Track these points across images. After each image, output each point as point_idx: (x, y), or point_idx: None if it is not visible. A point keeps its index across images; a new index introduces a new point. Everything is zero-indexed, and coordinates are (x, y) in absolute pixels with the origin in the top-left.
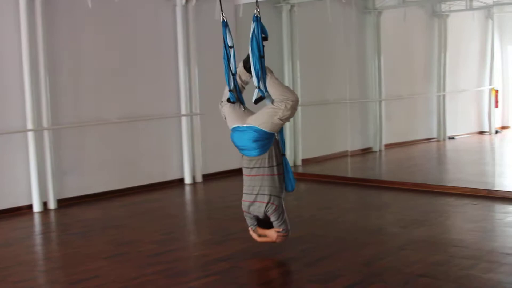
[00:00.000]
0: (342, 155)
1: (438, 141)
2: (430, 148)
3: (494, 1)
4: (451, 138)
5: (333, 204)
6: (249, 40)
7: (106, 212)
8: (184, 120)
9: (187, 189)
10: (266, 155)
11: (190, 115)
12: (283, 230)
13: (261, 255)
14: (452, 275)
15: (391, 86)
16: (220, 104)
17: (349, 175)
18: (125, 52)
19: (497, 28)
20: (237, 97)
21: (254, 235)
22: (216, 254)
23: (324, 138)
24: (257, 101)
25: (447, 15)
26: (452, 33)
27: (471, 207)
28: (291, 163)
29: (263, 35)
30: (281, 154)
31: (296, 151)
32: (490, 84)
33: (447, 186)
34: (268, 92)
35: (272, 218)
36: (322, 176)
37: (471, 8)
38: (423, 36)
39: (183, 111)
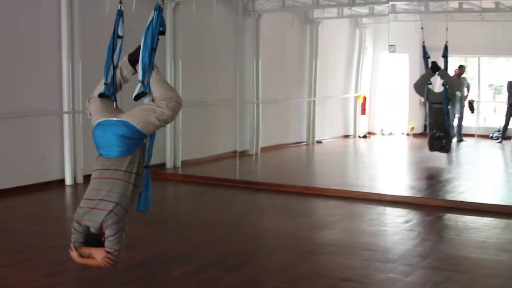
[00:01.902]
0: (225, 157)
1: (307, 144)
2: (302, 152)
3: (368, 12)
4: (319, 142)
5: (229, 207)
6: (144, 30)
7: None
8: (66, 118)
9: (69, 190)
10: (127, 158)
11: (72, 112)
12: (114, 251)
13: (175, 261)
14: (375, 279)
15: (267, 90)
16: (88, 101)
17: (237, 177)
18: (2, 43)
19: (370, 36)
20: (111, 93)
21: (74, 255)
22: (128, 260)
23: (204, 140)
24: (137, 97)
25: (319, 22)
26: (322, 40)
27: (367, 211)
28: (170, 164)
29: (160, 28)
30: (144, 165)
31: (176, 152)
32: (356, 91)
33: (338, 190)
34: (150, 89)
35: (108, 232)
36: (207, 178)
37: (341, 16)
38: (297, 41)
39: (65, 108)
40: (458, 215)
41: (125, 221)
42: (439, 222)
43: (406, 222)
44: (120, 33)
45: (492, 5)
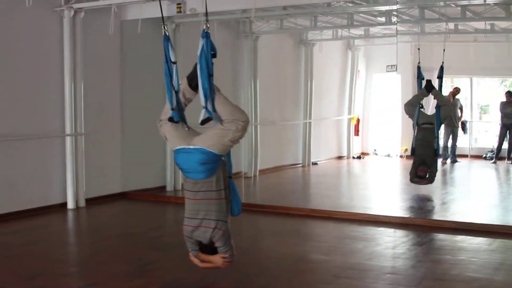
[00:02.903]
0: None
1: (303, 166)
2: (300, 174)
3: (360, 34)
4: (314, 163)
5: (238, 230)
6: (198, 57)
7: None
8: (68, 140)
9: (72, 214)
10: (213, 178)
11: (75, 135)
12: (229, 256)
13: (196, 286)
14: None
15: (264, 111)
16: (159, 122)
17: (243, 200)
18: (4, 64)
19: (363, 58)
20: (180, 116)
21: (196, 261)
22: (145, 286)
23: None
24: (204, 122)
25: (313, 44)
26: (317, 62)
27: (378, 233)
28: (170, 187)
29: (212, 52)
30: (228, 176)
31: (176, 175)
32: (350, 113)
33: (346, 212)
34: (216, 112)
35: (218, 244)
36: None
37: (336, 38)
38: (292, 63)
39: (68, 131)
40: (469, 237)
41: (229, 230)
42: (450, 244)
43: (420, 244)
44: (172, 59)
45: (487, 27)
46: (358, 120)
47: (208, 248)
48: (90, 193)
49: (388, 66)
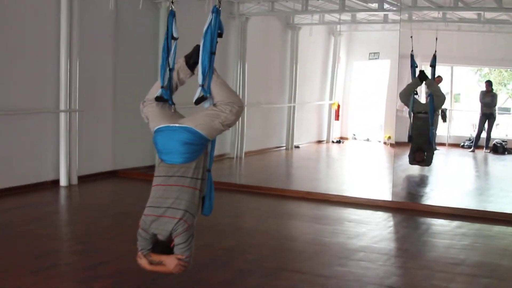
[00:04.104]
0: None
1: (287, 149)
2: (287, 156)
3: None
4: (296, 147)
5: (240, 212)
6: (203, 33)
7: None
8: (62, 117)
9: (64, 191)
10: (192, 164)
11: (69, 111)
12: (186, 258)
13: (210, 267)
14: (419, 286)
15: (251, 94)
16: (143, 103)
17: (237, 181)
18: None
19: (344, 45)
20: (169, 97)
21: (143, 262)
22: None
23: None
24: (198, 101)
25: (300, 28)
26: (302, 46)
27: (377, 216)
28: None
29: (218, 31)
30: (207, 169)
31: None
32: (331, 98)
33: (342, 196)
34: (211, 93)
35: (179, 240)
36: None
37: (323, 22)
38: (279, 46)
39: (62, 107)
40: (467, 223)
41: (194, 227)
42: (451, 230)
43: (421, 229)
44: (175, 35)
45: (474, 16)
46: (338, 106)
47: (164, 247)
48: (82, 170)
49: (371, 53)
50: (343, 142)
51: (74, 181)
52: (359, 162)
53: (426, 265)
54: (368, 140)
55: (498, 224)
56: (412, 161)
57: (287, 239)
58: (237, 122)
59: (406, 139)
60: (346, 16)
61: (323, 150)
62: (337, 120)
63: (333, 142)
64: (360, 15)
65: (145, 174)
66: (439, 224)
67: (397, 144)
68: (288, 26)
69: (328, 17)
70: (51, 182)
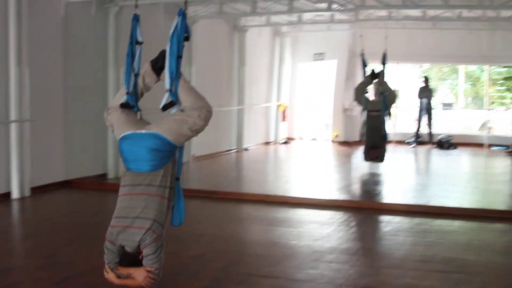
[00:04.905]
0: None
1: (237, 152)
2: (237, 159)
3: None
4: (246, 149)
5: (200, 218)
6: (169, 36)
7: None
8: (13, 127)
9: (18, 204)
10: (160, 172)
11: (20, 121)
12: (155, 269)
13: (183, 275)
14: (394, 284)
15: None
16: (107, 111)
17: (191, 186)
18: None
19: (289, 46)
20: (134, 103)
21: (111, 276)
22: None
23: None
24: (166, 107)
25: (246, 30)
26: (249, 49)
27: (340, 217)
28: (112, 174)
29: (185, 34)
30: (176, 177)
31: (117, 161)
32: (278, 100)
33: (301, 197)
34: (178, 99)
35: (147, 251)
36: None
37: (268, 24)
38: (227, 49)
39: (12, 117)
40: (429, 219)
41: (163, 238)
42: (414, 226)
43: (385, 227)
44: (139, 39)
45: (419, 14)
46: (285, 107)
47: (132, 260)
48: (34, 181)
49: (316, 54)
50: (290, 143)
51: (27, 193)
52: (310, 162)
53: (396, 264)
54: (314, 139)
55: (457, 219)
56: (367, 158)
57: (252, 243)
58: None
59: (356, 138)
60: (292, 17)
61: (273, 151)
62: (284, 121)
63: (280, 143)
64: (307, 16)
65: (98, 184)
66: (400, 222)
67: (347, 143)
68: (235, 28)
69: (274, 18)
70: (3, 195)
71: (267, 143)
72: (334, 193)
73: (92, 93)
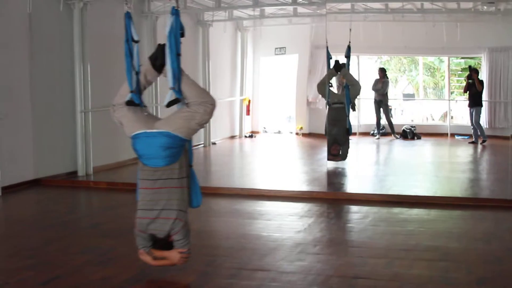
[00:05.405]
0: (130, 163)
1: (205, 146)
2: (205, 154)
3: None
4: (213, 143)
5: None
6: (167, 36)
7: None
8: None
9: None
10: (176, 165)
11: None
12: (187, 250)
13: (171, 271)
14: (383, 274)
15: (166, 93)
16: (113, 107)
17: None
18: None
19: (251, 41)
20: (139, 100)
21: (147, 258)
22: (119, 276)
23: (111, 145)
24: (170, 103)
25: (210, 25)
26: (212, 43)
27: (318, 209)
28: (82, 171)
29: (180, 31)
30: (189, 165)
31: (87, 158)
32: (242, 94)
33: (276, 190)
34: (182, 94)
35: (177, 237)
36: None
37: (231, 19)
38: (191, 44)
39: None
40: (405, 208)
41: (189, 223)
42: (392, 216)
43: (364, 217)
44: (135, 38)
45: (381, 6)
46: (249, 101)
47: (163, 243)
48: (3, 181)
49: (277, 48)
50: (255, 136)
51: None
52: (278, 155)
53: (381, 254)
54: (279, 132)
55: (433, 208)
56: (329, 155)
57: (236, 237)
58: None
59: (320, 131)
60: (254, 11)
61: (239, 145)
62: (248, 115)
63: (245, 136)
64: (270, 10)
65: (69, 181)
66: (378, 212)
67: (312, 136)
68: (199, 23)
69: (236, 12)
70: None
71: (233, 137)
72: (308, 185)
73: (60, 90)
